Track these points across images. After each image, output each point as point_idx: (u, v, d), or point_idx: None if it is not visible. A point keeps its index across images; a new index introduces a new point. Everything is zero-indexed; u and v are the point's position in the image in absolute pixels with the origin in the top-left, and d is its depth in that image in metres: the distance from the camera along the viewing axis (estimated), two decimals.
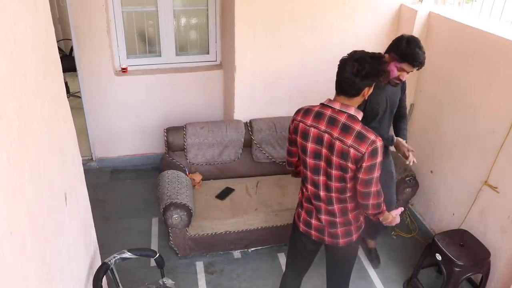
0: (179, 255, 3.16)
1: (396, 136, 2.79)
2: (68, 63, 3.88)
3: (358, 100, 1.92)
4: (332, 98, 1.96)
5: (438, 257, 2.76)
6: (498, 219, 2.75)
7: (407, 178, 3.30)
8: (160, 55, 4.00)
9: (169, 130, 3.46)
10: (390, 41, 3.61)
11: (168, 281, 2.39)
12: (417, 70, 2.49)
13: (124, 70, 3.88)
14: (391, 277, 3.15)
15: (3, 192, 1.16)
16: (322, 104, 1.97)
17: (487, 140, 2.80)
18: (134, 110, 4.01)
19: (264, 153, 3.55)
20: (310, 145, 1.97)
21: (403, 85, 2.71)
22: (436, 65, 3.27)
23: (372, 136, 1.85)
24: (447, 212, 3.25)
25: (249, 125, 3.56)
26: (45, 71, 1.64)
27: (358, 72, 1.81)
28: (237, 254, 3.27)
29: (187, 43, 4.10)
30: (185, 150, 3.45)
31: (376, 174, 1.90)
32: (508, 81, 2.62)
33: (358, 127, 1.86)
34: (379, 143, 1.86)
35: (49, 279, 1.54)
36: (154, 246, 3.31)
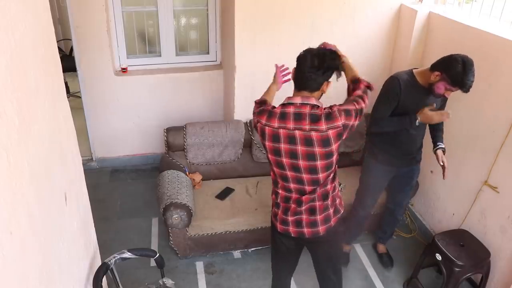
0: (179, 255, 3.17)
1: (434, 140, 2.82)
2: (68, 63, 3.87)
3: (317, 94, 1.97)
4: (291, 96, 1.98)
5: (438, 257, 2.76)
6: (498, 219, 2.75)
7: None
8: (160, 55, 4.00)
9: (169, 130, 3.46)
10: (391, 41, 3.64)
11: (168, 281, 2.39)
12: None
13: (124, 70, 3.88)
14: (391, 277, 3.15)
15: (3, 192, 1.16)
16: (282, 105, 1.97)
17: (487, 140, 2.80)
18: (134, 110, 4.01)
19: (264, 153, 3.55)
20: (283, 146, 1.96)
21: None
22: None
23: (335, 109, 1.90)
24: (447, 212, 3.25)
25: (249, 125, 3.56)
26: (45, 71, 1.64)
27: (319, 66, 1.88)
28: (237, 254, 3.27)
29: (187, 43, 4.10)
30: (185, 150, 3.45)
31: (357, 106, 1.95)
32: (508, 81, 2.62)
33: (322, 111, 1.89)
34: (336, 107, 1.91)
35: (49, 279, 1.54)
36: (154, 246, 3.31)
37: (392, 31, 3.58)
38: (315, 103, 1.92)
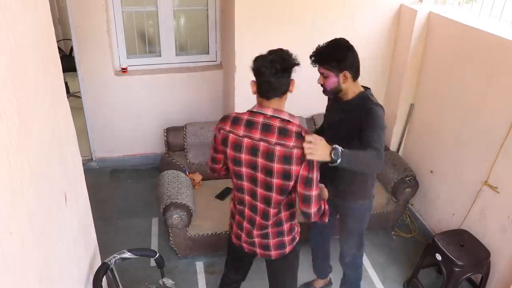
0: (179, 255, 3.17)
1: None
2: (68, 63, 3.88)
3: (286, 96, 1.88)
4: (261, 105, 1.86)
5: (438, 257, 2.76)
6: (498, 219, 2.75)
7: (407, 178, 3.30)
8: (160, 55, 4.00)
9: (169, 130, 3.46)
10: (390, 41, 3.64)
11: (168, 281, 2.39)
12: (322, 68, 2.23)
13: (124, 70, 3.88)
14: (391, 277, 3.15)
15: (3, 192, 1.16)
16: (251, 112, 1.87)
17: (487, 140, 2.80)
18: (134, 110, 4.01)
19: None
20: (244, 156, 1.86)
21: (366, 115, 2.09)
22: (436, 65, 3.27)
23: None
24: (447, 212, 3.25)
25: None
26: (45, 71, 1.64)
27: (278, 71, 1.75)
28: None
29: (187, 43, 4.10)
30: (185, 150, 3.45)
31: (316, 173, 1.82)
32: (508, 81, 2.62)
33: (294, 128, 1.81)
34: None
35: (49, 279, 1.54)
36: (154, 246, 3.31)
37: (392, 31, 3.58)
38: (287, 118, 1.82)
